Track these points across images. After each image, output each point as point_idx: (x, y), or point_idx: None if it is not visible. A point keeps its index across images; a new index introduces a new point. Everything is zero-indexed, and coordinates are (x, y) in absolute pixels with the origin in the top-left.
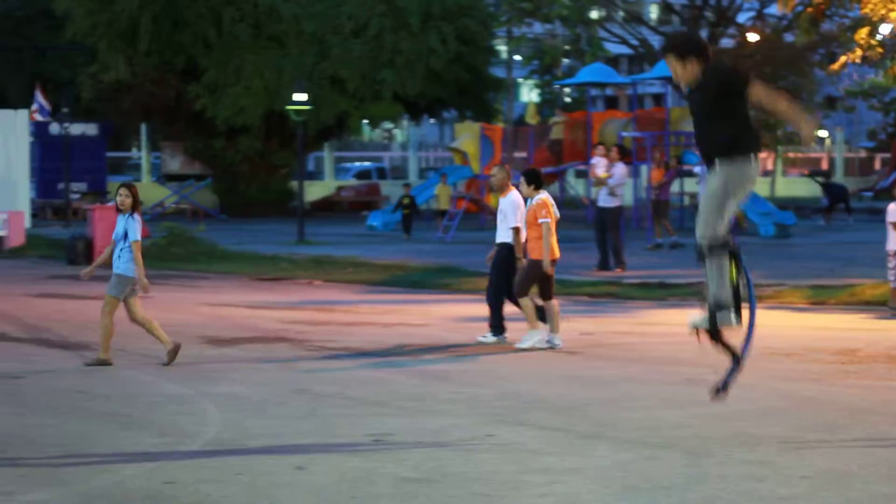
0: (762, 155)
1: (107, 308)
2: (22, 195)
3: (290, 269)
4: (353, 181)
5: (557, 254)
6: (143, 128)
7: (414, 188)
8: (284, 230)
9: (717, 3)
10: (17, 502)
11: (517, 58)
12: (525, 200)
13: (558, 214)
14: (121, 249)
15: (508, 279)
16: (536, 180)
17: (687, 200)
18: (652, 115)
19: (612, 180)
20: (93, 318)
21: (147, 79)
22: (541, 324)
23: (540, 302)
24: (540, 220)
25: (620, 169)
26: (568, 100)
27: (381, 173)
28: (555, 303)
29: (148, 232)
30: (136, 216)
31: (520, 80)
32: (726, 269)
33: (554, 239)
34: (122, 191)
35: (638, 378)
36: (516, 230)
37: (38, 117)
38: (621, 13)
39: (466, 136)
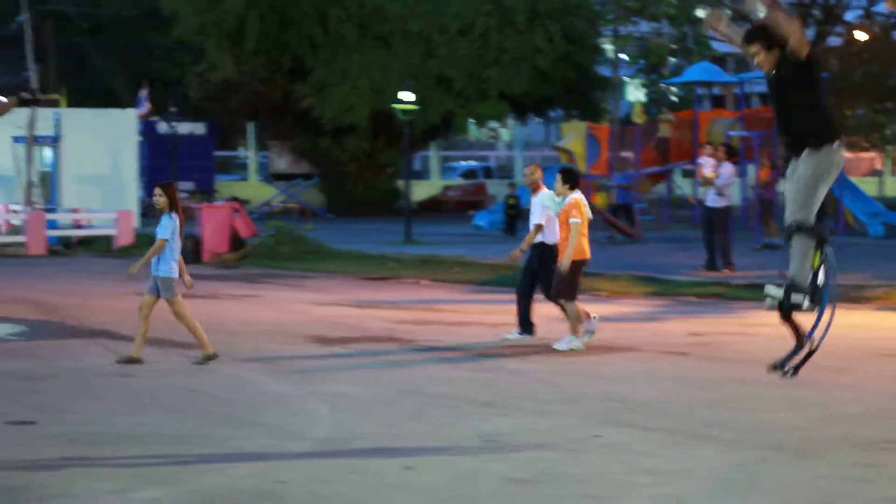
0: (871, 155)
1: (178, 309)
2: (130, 194)
3: (397, 269)
4: (459, 180)
5: (588, 255)
6: (251, 127)
7: (519, 188)
8: (391, 229)
9: (825, 1)
10: (131, 500)
11: (623, 56)
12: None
13: (590, 215)
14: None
15: (541, 278)
16: (572, 179)
17: None
18: (759, 114)
19: (719, 180)
20: (200, 316)
21: (254, 78)
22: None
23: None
24: (570, 221)
25: (728, 168)
26: (674, 99)
27: (488, 172)
28: (578, 305)
29: (256, 231)
30: (173, 215)
31: (626, 78)
32: (810, 254)
33: (585, 240)
34: (157, 190)
35: (746, 379)
36: (538, 227)
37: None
38: (728, 12)
39: (572, 135)
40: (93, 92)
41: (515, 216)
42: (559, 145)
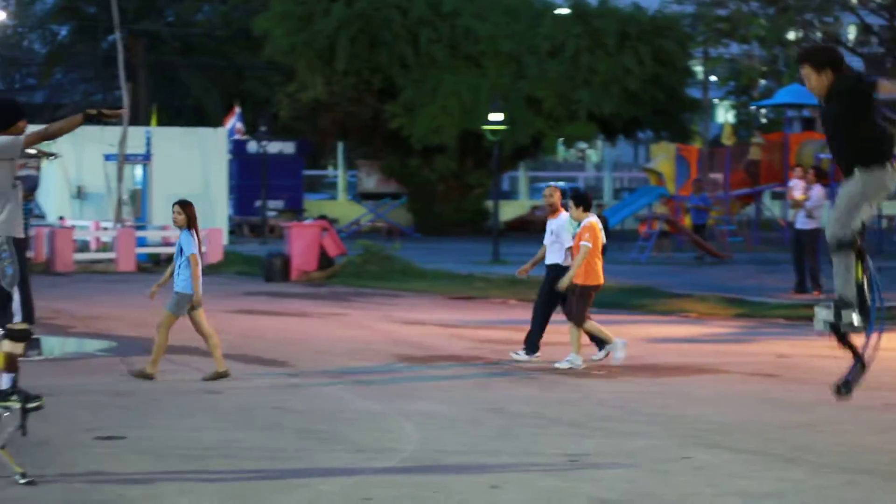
0: None
1: (164, 323)
2: (220, 212)
3: (484, 289)
4: None
5: (601, 280)
6: (340, 146)
7: (607, 209)
8: (478, 249)
9: None
10: None
11: (713, 78)
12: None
13: (604, 239)
14: (179, 266)
15: (554, 301)
16: (585, 203)
17: (885, 223)
18: None
19: (809, 203)
20: (288, 333)
21: (344, 98)
22: (612, 340)
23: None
24: (581, 244)
25: (818, 191)
26: (764, 121)
27: None
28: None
29: (344, 250)
30: (192, 232)
31: (716, 100)
32: (853, 269)
33: (599, 264)
34: (176, 207)
35: (835, 402)
36: (570, 250)
37: (237, 128)
38: (819, 34)
39: (662, 156)
40: (183, 110)
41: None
42: (648, 166)
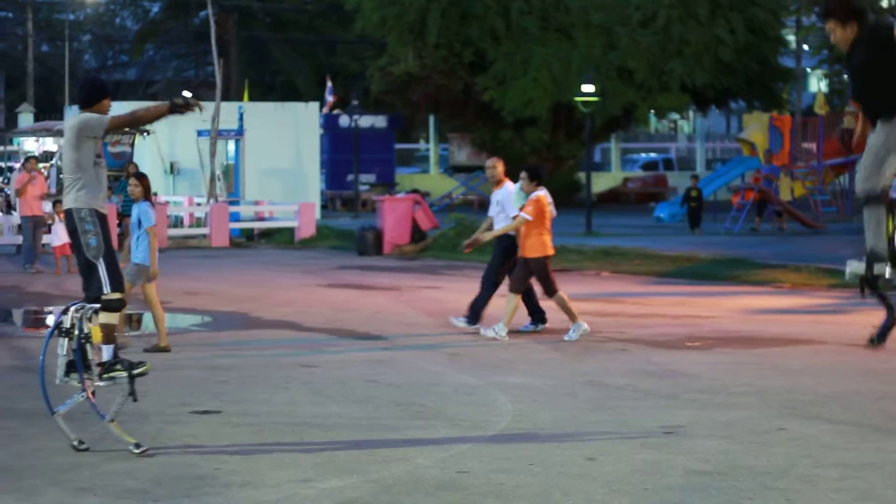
0: None
1: (148, 297)
2: (312, 187)
3: (578, 261)
4: (639, 172)
5: (550, 251)
6: (431, 119)
7: (701, 180)
8: (572, 221)
9: None
10: (315, 489)
11: (806, 47)
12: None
13: (554, 212)
14: (137, 238)
15: (504, 269)
16: (537, 176)
17: None
18: None
19: None
20: (382, 306)
21: (435, 71)
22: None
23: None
24: (519, 214)
25: None
26: None
27: (668, 164)
28: (517, 298)
29: (437, 223)
30: (150, 204)
31: (808, 69)
32: (883, 222)
33: (547, 237)
34: (132, 180)
35: None
36: (518, 218)
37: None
38: None
39: (755, 126)
40: (275, 86)
41: (698, 208)
42: (741, 137)
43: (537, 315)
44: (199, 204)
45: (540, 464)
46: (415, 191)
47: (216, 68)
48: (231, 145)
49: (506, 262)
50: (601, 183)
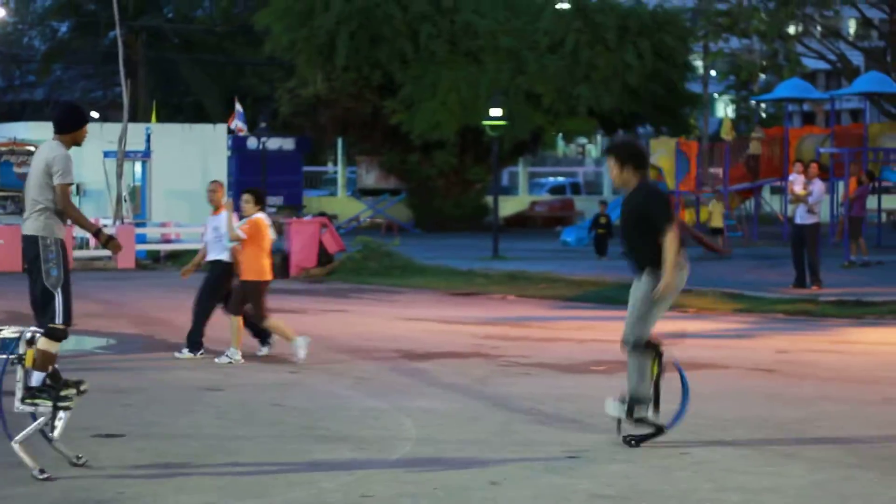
0: None
1: None
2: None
3: (484, 284)
4: (546, 196)
5: (268, 276)
6: (340, 142)
7: (609, 205)
8: (478, 245)
9: None
10: None
11: (713, 73)
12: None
13: (274, 236)
14: None
15: (216, 296)
16: (261, 200)
17: (885, 217)
18: (850, 130)
19: (811, 198)
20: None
21: (344, 94)
22: (296, 338)
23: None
24: (236, 231)
25: (818, 186)
26: (764, 115)
27: (576, 188)
28: (238, 320)
29: (344, 246)
30: None
31: (716, 95)
32: (648, 368)
33: (267, 261)
34: None
35: (835, 397)
36: (237, 240)
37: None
38: (819, 28)
39: (662, 151)
40: (183, 107)
41: (606, 235)
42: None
43: (262, 337)
44: (105, 225)
45: (444, 488)
46: (322, 213)
47: (124, 89)
48: (138, 166)
49: (218, 287)
50: (508, 207)
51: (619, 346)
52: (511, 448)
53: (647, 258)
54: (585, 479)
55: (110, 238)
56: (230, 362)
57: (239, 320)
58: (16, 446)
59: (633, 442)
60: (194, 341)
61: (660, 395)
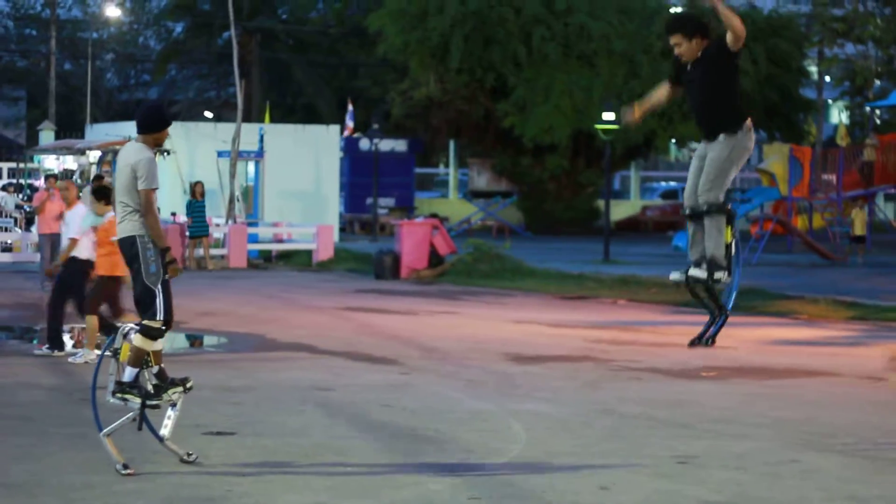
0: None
1: None
2: (331, 209)
3: (595, 288)
4: (658, 201)
5: (122, 272)
6: (452, 144)
7: None
8: (589, 249)
9: None
10: None
11: (828, 79)
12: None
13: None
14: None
15: (74, 292)
16: (106, 196)
17: None
18: None
19: None
20: (398, 331)
21: (457, 96)
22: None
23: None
24: (112, 239)
25: None
26: (879, 122)
27: None
28: (93, 318)
29: (455, 248)
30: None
31: (830, 101)
32: (724, 232)
33: (118, 257)
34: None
35: None
36: (73, 241)
37: (349, 123)
38: None
39: (775, 157)
40: (296, 108)
41: None
42: (761, 167)
43: (58, 343)
44: (217, 225)
45: (552, 492)
46: (433, 215)
47: (238, 89)
48: (251, 166)
49: (72, 284)
50: (620, 211)
51: (683, 208)
52: (620, 453)
53: (725, 121)
54: (694, 486)
55: (173, 261)
56: (86, 361)
57: (94, 318)
58: (104, 439)
59: (709, 342)
60: (52, 339)
61: (731, 258)
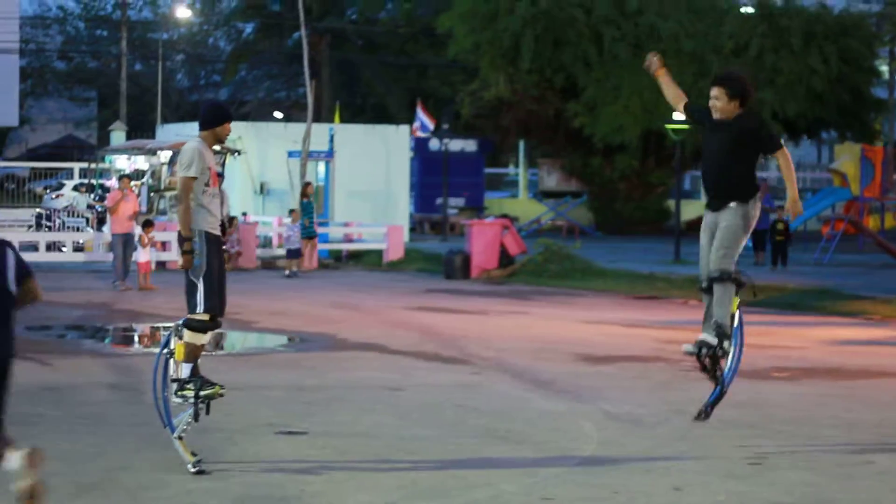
0: None
1: None
2: (401, 209)
3: (665, 288)
4: None
5: None
6: (521, 144)
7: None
8: (660, 249)
9: None
10: None
11: None
12: None
13: None
14: None
15: None
16: None
17: None
18: None
19: None
20: (469, 331)
21: (526, 96)
22: None
23: None
24: None
25: None
26: None
27: None
28: None
29: (525, 248)
30: None
31: None
32: (732, 301)
33: None
34: None
35: None
36: None
37: (420, 133)
38: None
39: (846, 157)
40: (365, 108)
41: (785, 243)
42: (832, 167)
43: None
44: (287, 225)
45: (625, 492)
46: (504, 215)
47: (308, 89)
48: (321, 167)
49: None
50: (690, 211)
51: (698, 288)
52: (692, 453)
53: (738, 189)
54: (766, 487)
55: (189, 252)
56: None
57: None
58: (175, 440)
59: (702, 417)
60: None
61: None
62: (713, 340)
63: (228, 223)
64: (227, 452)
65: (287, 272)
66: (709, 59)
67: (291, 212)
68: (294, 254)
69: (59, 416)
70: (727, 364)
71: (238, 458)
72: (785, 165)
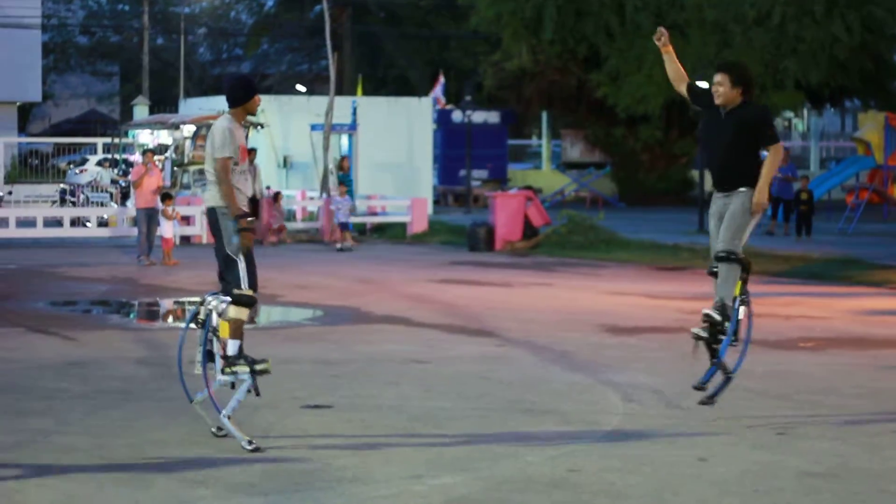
0: None
1: None
2: (425, 182)
3: (690, 259)
4: None
5: None
6: (544, 115)
7: (814, 179)
8: (684, 219)
9: None
10: (426, 486)
11: None
12: None
13: None
14: None
15: None
16: None
17: None
18: None
19: None
20: (494, 303)
21: (549, 67)
22: None
23: None
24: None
25: None
26: None
27: None
28: None
29: (549, 219)
30: None
31: None
32: (736, 281)
33: None
34: None
35: None
36: None
37: (438, 98)
38: None
39: (870, 125)
40: (388, 80)
41: (809, 212)
42: (856, 136)
43: None
44: (311, 198)
45: (651, 464)
46: (527, 187)
47: (330, 62)
48: (344, 140)
49: None
50: None
51: (708, 272)
52: (718, 424)
53: (746, 176)
54: (794, 457)
55: (245, 230)
56: None
57: None
58: (225, 420)
59: (707, 402)
60: None
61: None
62: (717, 317)
63: (273, 199)
64: (253, 426)
65: (339, 245)
66: (731, 28)
67: (340, 184)
68: (344, 227)
69: (85, 391)
70: (739, 352)
71: (264, 432)
72: (772, 159)
